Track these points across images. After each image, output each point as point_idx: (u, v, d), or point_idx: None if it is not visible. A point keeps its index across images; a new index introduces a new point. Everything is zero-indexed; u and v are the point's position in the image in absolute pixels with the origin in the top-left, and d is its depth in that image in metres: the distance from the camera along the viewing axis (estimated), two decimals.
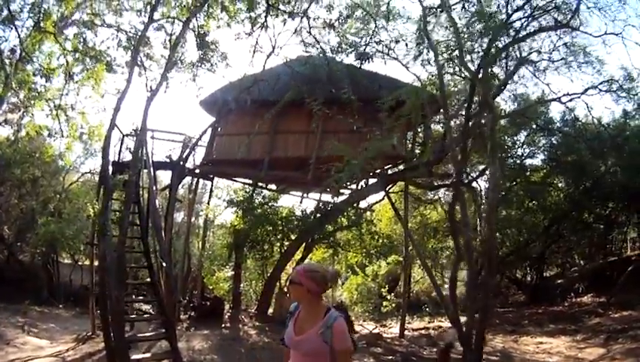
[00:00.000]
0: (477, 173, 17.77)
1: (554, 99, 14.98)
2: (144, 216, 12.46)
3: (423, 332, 15.86)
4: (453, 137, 12.41)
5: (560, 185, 19.61)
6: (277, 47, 14.52)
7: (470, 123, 11.48)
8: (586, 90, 13.98)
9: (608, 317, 13.66)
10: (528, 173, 18.86)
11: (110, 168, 11.89)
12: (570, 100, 14.64)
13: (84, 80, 14.04)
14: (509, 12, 11.18)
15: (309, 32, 14.58)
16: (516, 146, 19.05)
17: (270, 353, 11.85)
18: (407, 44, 13.87)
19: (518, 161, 19.00)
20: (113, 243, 9.40)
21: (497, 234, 18.42)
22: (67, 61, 13.70)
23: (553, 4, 10.76)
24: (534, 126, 17.94)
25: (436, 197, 21.58)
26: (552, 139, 18.44)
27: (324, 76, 14.45)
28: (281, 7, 13.69)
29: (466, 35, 11.50)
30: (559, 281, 19.36)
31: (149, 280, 11.62)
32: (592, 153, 16.56)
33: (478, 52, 11.74)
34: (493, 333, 14.01)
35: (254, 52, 14.25)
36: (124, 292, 9.91)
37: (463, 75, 13.30)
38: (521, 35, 11.30)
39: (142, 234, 12.22)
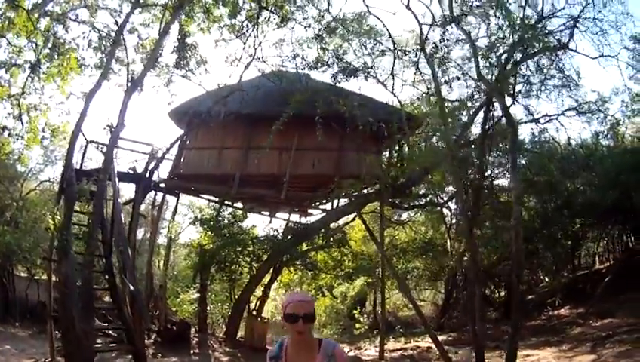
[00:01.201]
0: (448, 195, 17.17)
1: (533, 120, 14.56)
2: (107, 231, 11.24)
3: (402, 353, 15.11)
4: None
5: (531, 203, 19.31)
6: (256, 57, 13.86)
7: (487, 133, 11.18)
8: (565, 110, 13.89)
9: (590, 326, 13.55)
10: (498, 193, 18.42)
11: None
12: (548, 121, 14.48)
13: (51, 75, 12.60)
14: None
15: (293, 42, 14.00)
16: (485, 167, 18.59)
17: None
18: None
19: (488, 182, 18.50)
20: (76, 264, 8.22)
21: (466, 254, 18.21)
22: (36, 45, 12.26)
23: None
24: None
25: (404, 217, 21.13)
26: (523, 159, 18.16)
27: (301, 92, 13.60)
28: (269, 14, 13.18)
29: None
30: (530, 297, 19.15)
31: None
32: (563, 173, 16.43)
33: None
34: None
35: (235, 60, 13.59)
36: (93, 323, 8.67)
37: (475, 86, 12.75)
38: (529, 53, 10.95)
39: (105, 251, 11.02)
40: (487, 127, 11.90)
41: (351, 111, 12.63)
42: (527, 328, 15.38)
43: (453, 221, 19.86)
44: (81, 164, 13.99)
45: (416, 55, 13.59)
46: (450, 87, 13.96)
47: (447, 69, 13.32)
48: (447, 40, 12.29)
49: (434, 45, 12.64)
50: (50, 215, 9.30)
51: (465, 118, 14.17)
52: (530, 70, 12.19)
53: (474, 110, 13.49)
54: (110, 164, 9.90)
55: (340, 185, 12.84)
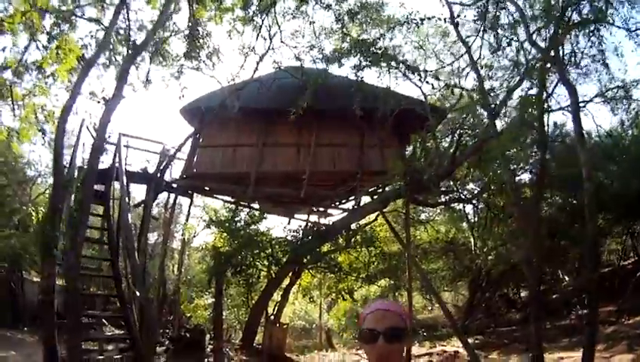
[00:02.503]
0: (477, 190, 15.96)
1: (561, 108, 13.36)
2: (114, 234, 10.17)
3: (429, 358, 14.38)
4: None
5: (555, 198, 18.13)
6: (271, 47, 12.94)
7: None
8: (595, 96, 13.01)
9: (623, 324, 12.96)
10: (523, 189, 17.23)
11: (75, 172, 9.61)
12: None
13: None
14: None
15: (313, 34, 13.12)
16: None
17: None
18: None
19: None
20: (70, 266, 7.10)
21: (492, 253, 17.56)
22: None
23: None
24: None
25: (423, 217, 19.97)
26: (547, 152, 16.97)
27: (318, 86, 12.49)
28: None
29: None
30: (554, 296, 18.42)
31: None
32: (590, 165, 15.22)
33: None
34: (506, 354, 13.44)
35: (249, 50, 12.60)
36: (80, 338, 7.52)
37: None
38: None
39: (112, 254, 9.96)
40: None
41: (373, 104, 11.63)
42: (557, 328, 14.82)
43: (476, 219, 18.76)
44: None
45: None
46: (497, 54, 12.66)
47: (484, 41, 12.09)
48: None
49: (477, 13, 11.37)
50: (33, 207, 8.18)
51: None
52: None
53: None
54: (102, 145, 8.66)
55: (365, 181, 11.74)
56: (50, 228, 7.24)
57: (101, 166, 13.72)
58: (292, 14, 13.23)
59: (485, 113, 13.95)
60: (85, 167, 9.70)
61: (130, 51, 9.45)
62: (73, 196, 8.99)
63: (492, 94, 13.16)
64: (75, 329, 7.00)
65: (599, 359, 10.32)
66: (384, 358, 1.81)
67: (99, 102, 10.38)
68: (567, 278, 19.17)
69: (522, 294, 20.30)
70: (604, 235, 17.64)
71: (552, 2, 9.92)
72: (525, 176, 17.57)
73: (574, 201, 16.29)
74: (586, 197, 8.03)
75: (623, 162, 15.05)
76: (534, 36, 10.42)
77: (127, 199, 10.63)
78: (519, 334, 15.28)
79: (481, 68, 12.13)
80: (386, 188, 14.66)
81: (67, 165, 9.77)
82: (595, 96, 12.98)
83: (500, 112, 13.11)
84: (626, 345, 10.88)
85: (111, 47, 11.66)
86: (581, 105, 12.49)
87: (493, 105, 11.38)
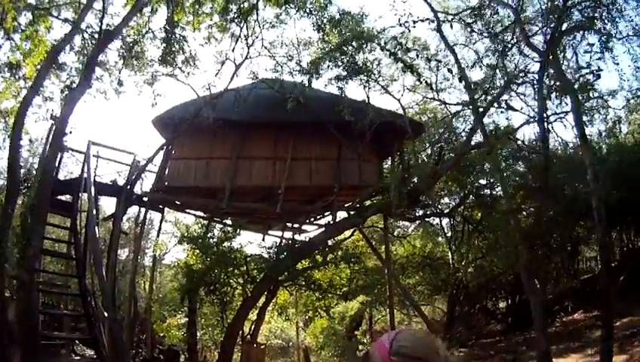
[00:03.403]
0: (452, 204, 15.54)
1: (540, 119, 12.97)
2: (81, 248, 9.35)
3: None
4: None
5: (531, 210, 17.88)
6: (249, 57, 12.48)
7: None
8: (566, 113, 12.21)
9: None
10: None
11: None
12: (555, 120, 12.79)
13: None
14: None
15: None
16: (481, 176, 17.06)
17: None
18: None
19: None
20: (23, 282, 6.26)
21: (470, 266, 17.24)
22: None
23: None
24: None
25: (398, 232, 19.46)
26: (520, 165, 16.70)
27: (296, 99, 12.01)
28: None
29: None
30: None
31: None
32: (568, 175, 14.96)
33: None
34: None
35: (225, 60, 11.96)
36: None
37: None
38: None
39: (78, 270, 9.13)
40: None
41: (350, 117, 11.17)
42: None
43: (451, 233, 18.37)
44: (57, 173, 11.86)
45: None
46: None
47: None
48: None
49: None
50: None
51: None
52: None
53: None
54: (62, 139, 7.78)
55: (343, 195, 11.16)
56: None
57: (69, 176, 13.11)
58: (271, 23, 12.80)
59: (464, 126, 13.72)
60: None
61: (100, 37, 8.60)
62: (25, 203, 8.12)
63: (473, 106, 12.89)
64: (31, 351, 6.12)
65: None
66: None
67: (62, 90, 9.59)
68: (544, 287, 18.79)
69: (501, 305, 20.06)
70: (581, 243, 17.68)
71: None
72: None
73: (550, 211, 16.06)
74: (594, 199, 7.39)
75: (601, 171, 14.68)
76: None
77: (95, 211, 9.75)
78: (504, 344, 14.99)
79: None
80: (365, 203, 14.05)
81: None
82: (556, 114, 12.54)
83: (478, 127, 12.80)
84: (617, 347, 10.47)
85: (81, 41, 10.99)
86: (562, 115, 12.27)
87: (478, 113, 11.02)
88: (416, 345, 1.52)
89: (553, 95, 10.67)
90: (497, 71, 12.13)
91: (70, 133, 10.40)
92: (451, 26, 11.60)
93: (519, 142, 14.69)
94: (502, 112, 14.09)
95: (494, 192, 16.52)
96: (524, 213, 16.90)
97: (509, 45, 11.38)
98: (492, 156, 10.04)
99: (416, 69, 11.45)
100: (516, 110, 12.17)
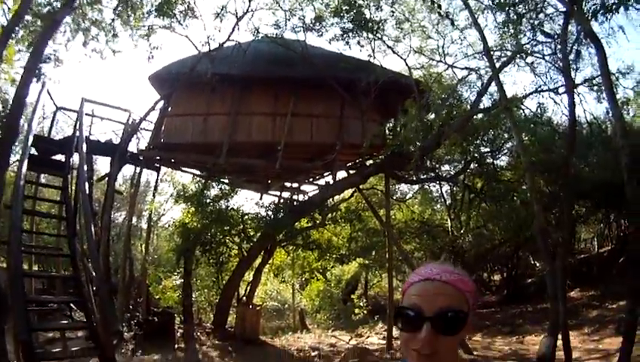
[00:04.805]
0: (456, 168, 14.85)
1: (549, 90, 12.20)
2: (72, 208, 8.57)
3: None
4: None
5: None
6: (250, 10, 11.68)
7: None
8: (584, 82, 11.42)
9: (606, 309, 12.39)
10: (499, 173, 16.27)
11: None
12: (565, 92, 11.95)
13: None
14: None
15: None
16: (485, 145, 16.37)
17: None
18: None
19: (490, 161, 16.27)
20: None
21: (469, 234, 16.80)
22: None
23: None
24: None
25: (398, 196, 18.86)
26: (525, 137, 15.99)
27: (297, 55, 11.59)
28: None
29: None
30: (530, 280, 17.91)
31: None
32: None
33: None
34: (490, 336, 12.43)
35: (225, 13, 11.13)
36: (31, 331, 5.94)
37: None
38: None
39: (69, 231, 8.35)
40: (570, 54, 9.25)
41: (355, 75, 10.77)
42: (539, 311, 13.88)
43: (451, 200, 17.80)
44: (49, 133, 11.88)
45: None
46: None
47: None
48: None
49: None
50: None
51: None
52: None
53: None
54: (32, 72, 6.88)
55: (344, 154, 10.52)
56: None
57: (62, 135, 12.40)
58: None
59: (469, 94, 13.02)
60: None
61: None
62: None
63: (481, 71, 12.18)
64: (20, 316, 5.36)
65: (588, 342, 10.04)
66: (428, 357, 1.15)
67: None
68: (537, 264, 18.39)
69: (495, 278, 19.82)
70: (581, 222, 17.31)
71: None
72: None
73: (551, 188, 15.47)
74: (623, 159, 6.43)
75: (605, 151, 13.79)
76: None
77: (86, 168, 8.97)
78: (500, 316, 14.61)
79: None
80: (366, 163, 13.37)
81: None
82: (584, 82, 11.57)
83: (488, 90, 12.09)
84: (614, 329, 10.30)
85: None
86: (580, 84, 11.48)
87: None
88: (422, 267, 1.30)
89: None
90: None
91: (58, 62, 9.60)
92: None
93: (526, 112, 14.02)
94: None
95: (497, 161, 16.00)
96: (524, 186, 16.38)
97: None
98: (509, 115, 9.22)
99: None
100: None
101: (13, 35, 9.07)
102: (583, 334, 10.71)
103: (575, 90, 10.90)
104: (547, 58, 11.12)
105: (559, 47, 9.12)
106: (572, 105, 8.57)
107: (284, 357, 10.85)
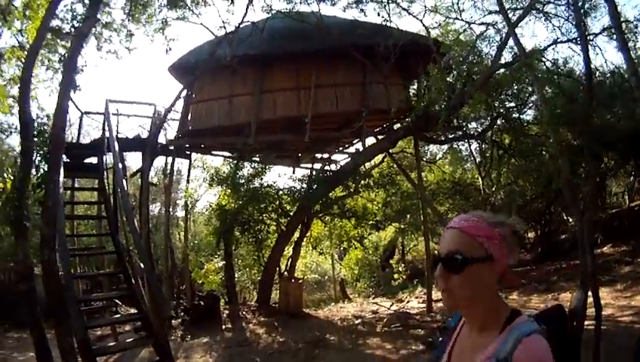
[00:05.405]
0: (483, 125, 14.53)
1: (568, 40, 11.78)
2: (111, 207, 8.74)
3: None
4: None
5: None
6: None
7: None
8: (603, 30, 10.90)
9: (639, 264, 12.00)
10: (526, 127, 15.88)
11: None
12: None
13: None
14: None
15: None
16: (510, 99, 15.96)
17: (291, 357, 8.46)
18: None
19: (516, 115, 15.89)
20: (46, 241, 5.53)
21: (501, 191, 16.43)
22: None
23: None
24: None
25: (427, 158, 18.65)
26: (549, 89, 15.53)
27: (313, 28, 11.35)
28: None
29: None
30: (564, 236, 17.41)
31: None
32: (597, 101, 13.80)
33: None
34: (526, 294, 12.10)
35: None
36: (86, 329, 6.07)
37: None
38: None
39: (110, 228, 8.56)
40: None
41: (373, 40, 10.48)
42: (572, 268, 13.58)
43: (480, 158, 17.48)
44: (78, 137, 12.16)
45: None
46: None
47: None
48: None
49: None
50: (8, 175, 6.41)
51: None
52: None
53: None
54: (72, 77, 6.87)
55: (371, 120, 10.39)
56: (17, 197, 5.60)
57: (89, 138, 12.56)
58: None
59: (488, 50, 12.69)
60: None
61: None
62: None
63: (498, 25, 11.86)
64: (61, 317, 5.46)
65: (621, 299, 9.86)
66: (445, 292, 1.40)
67: (67, 32, 8.76)
68: (570, 220, 17.77)
69: (529, 235, 19.38)
70: (611, 176, 16.90)
71: None
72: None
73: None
74: None
75: (630, 101, 13.27)
76: None
77: (121, 167, 9.09)
78: (535, 274, 14.30)
79: None
80: (393, 127, 13.23)
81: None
82: (603, 30, 11.03)
83: (507, 43, 11.75)
84: None
85: None
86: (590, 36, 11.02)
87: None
88: (493, 215, 1.46)
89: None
90: None
91: (82, 71, 9.69)
92: None
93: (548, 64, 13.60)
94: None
95: (523, 116, 15.63)
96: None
97: None
98: (529, 68, 8.95)
99: None
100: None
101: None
102: (615, 290, 10.55)
103: (594, 40, 10.62)
104: (562, 9, 10.84)
105: None
106: (587, 56, 8.26)
107: (328, 327, 10.90)
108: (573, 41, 11.59)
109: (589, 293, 6.29)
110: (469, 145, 17.19)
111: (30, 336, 5.67)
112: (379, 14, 11.80)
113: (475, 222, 1.40)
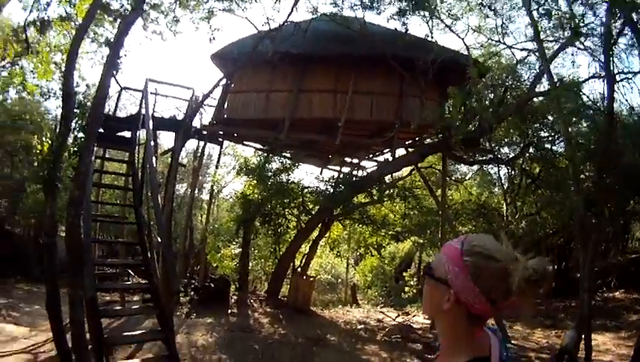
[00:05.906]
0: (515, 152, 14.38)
1: (601, 77, 11.50)
2: (138, 180, 9.00)
3: None
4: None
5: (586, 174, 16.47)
6: None
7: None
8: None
9: None
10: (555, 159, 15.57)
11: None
12: (622, 80, 11.18)
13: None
14: None
15: None
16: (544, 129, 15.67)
17: (290, 350, 8.58)
18: None
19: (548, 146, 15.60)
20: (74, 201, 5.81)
21: (524, 220, 15.91)
22: None
23: None
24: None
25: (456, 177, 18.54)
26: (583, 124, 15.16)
27: (356, 33, 11.44)
28: None
29: None
30: (579, 275, 16.59)
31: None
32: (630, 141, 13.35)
33: None
34: (531, 327, 12.19)
35: None
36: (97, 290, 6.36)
37: None
38: None
39: (135, 200, 8.83)
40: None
41: (414, 53, 10.57)
42: None
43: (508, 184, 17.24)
44: (115, 111, 12.36)
45: None
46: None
47: None
48: None
49: None
50: (38, 140, 6.80)
51: None
52: None
53: None
54: (115, 60, 7.14)
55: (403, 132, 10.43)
56: (53, 159, 5.97)
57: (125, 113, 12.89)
58: None
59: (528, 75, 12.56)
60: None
61: None
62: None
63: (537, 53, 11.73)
64: (77, 272, 5.73)
65: (622, 347, 9.77)
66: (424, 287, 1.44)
67: (115, 18, 9.06)
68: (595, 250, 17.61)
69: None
70: (634, 220, 16.40)
71: None
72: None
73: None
74: None
75: None
76: None
77: (152, 143, 9.37)
78: (543, 308, 13.98)
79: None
80: (424, 142, 13.26)
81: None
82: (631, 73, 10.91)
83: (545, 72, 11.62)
84: None
85: None
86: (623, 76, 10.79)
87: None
88: (489, 245, 1.31)
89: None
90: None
91: (125, 55, 9.99)
92: None
93: (584, 98, 13.35)
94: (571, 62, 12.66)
95: (555, 147, 15.37)
96: (582, 175, 15.64)
97: None
98: (556, 105, 8.87)
99: None
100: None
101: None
102: (619, 337, 10.49)
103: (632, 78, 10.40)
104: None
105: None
106: (611, 96, 8.19)
107: (330, 327, 11.00)
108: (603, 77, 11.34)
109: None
110: (499, 170, 17.02)
111: (39, 290, 5.99)
112: (420, 25, 11.88)
113: (454, 245, 1.34)
